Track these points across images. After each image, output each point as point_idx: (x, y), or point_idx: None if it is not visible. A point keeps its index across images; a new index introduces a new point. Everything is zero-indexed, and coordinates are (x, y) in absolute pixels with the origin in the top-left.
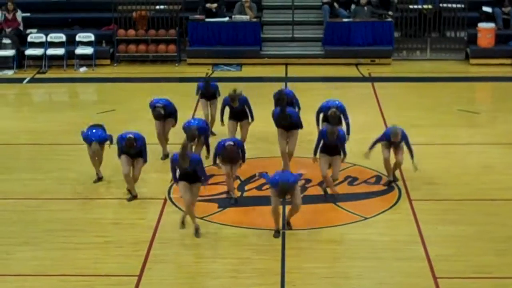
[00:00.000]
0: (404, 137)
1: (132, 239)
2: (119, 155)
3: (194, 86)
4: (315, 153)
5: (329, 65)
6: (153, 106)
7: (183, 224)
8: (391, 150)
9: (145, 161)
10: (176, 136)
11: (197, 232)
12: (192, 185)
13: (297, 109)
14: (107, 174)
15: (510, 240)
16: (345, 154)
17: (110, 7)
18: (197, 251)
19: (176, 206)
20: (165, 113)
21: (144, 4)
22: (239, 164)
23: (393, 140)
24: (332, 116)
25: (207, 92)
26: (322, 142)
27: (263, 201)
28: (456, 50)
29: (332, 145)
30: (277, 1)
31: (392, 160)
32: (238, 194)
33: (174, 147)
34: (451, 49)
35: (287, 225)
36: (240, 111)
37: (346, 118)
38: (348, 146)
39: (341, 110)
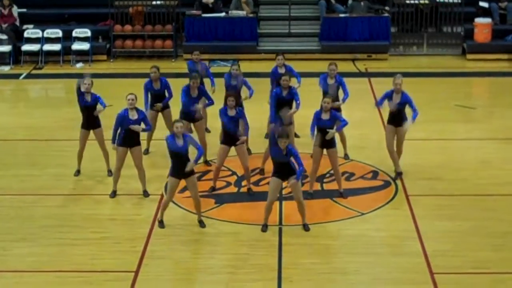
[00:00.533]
0: (407, 98)
1: (129, 235)
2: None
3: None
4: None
5: (326, 60)
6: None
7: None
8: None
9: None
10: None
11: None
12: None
13: (297, 85)
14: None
15: (507, 236)
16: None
17: (106, 3)
18: (194, 247)
19: (172, 201)
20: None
21: (140, 0)
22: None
23: (394, 85)
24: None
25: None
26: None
27: (260, 196)
28: (453, 45)
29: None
30: None
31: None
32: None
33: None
34: (448, 44)
35: (304, 227)
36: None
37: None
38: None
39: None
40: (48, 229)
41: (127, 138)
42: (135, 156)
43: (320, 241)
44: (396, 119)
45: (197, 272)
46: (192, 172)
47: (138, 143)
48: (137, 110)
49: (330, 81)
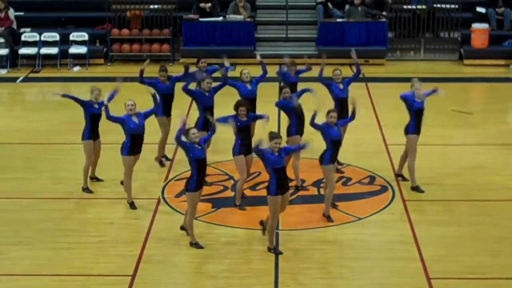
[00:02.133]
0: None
1: (125, 239)
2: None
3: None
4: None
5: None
6: None
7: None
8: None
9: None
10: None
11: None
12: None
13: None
14: (101, 174)
15: (503, 241)
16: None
17: (104, 7)
18: (191, 251)
19: (169, 206)
20: None
21: (138, 4)
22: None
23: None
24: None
25: None
26: None
27: (257, 201)
28: (450, 50)
29: None
30: (271, 1)
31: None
32: None
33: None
34: (445, 49)
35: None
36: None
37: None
38: (341, 146)
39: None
40: (45, 233)
41: (134, 146)
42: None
43: (317, 246)
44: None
45: (194, 277)
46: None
47: (140, 150)
48: (138, 114)
49: (341, 87)
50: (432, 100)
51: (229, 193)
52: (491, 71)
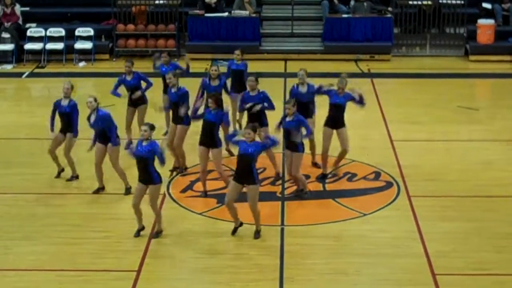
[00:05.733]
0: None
1: (130, 234)
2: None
3: (193, 80)
4: None
5: (329, 61)
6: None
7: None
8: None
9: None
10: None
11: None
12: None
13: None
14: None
15: (509, 237)
16: None
17: (109, 2)
18: (195, 247)
19: (175, 201)
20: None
21: None
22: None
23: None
24: None
25: None
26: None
27: (262, 196)
28: (456, 46)
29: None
30: None
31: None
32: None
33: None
34: (451, 45)
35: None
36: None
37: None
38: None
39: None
40: (50, 228)
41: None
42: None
43: (322, 242)
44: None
45: (198, 272)
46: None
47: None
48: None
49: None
50: (437, 96)
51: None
52: (497, 67)
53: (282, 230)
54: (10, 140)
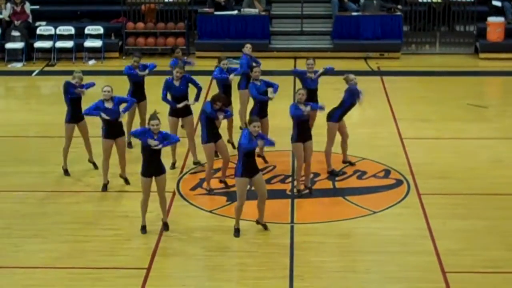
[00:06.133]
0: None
1: (140, 232)
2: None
3: (203, 78)
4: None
5: (338, 59)
6: None
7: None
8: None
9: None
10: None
11: None
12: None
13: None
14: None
15: None
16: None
17: (119, 0)
18: (205, 244)
19: (184, 199)
20: None
21: None
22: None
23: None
24: None
25: None
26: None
27: (272, 194)
28: (465, 44)
29: None
30: None
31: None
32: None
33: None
34: (460, 43)
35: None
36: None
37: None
38: (357, 140)
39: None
40: (60, 226)
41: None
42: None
43: (332, 240)
44: None
45: (208, 270)
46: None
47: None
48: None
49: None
50: (447, 94)
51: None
52: (506, 64)
53: (292, 227)
54: (20, 138)
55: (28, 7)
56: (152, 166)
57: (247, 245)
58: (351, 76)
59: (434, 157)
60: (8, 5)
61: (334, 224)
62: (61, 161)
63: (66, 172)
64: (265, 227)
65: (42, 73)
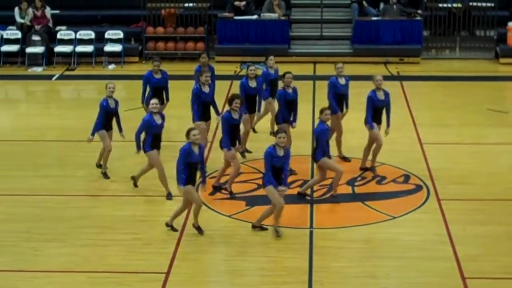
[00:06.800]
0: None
1: (160, 236)
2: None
3: (222, 83)
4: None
5: (358, 64)
6: None
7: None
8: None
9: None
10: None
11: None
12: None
13: None
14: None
15: None
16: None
17: (139, 5)
18: (224, 249)
19: (204, 204)
20: None
21: (173, 2)
22: None
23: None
24: None
25: None
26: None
27: (291, 199)
28: (486, 49)
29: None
30: None
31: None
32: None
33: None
34: (481, 48)
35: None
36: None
37: None
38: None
39: None
40: (80, 230)
41: (156, 142)
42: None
43: (351, 245)
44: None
45: (227, 274)
46: None
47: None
48: (161, 114)
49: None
50: (467, 99)
51: (263, 191)
52: None
53: (311, 233)
54: (39, 142)
55: (48, 11)
56: (194, 177)
57: (266, 250)
58: (377, 76)
59: (454, 162)
60: (30, 10)
61: (353, 229)
62: (81, 165)
63: (105, 175)
64: (278, 233)
65: (62, 77)
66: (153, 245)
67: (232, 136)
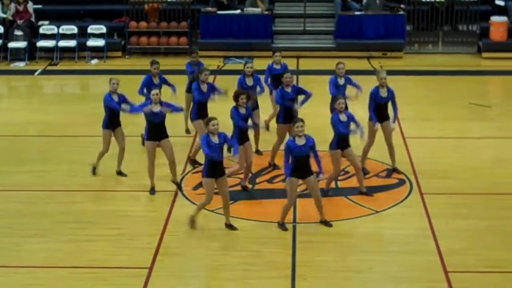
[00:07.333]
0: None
1: (143, 232)
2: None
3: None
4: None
5: (341, 58)
6: None
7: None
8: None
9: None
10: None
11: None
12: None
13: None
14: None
15: None
16: None
17: (122, 0)
18: (208, 244)
19: (187, 199)
20: None
21: None
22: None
23: (380, 79)
24: None
25: None
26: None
27: (274, 194)
28: (468, 43)
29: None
30: None
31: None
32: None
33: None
34: (463, 42)
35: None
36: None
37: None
38: (358, 139)
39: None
40: (62, 225)
41: (154, 132)
42: (165, 149)
43: (334, 239)
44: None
45: (211, 269)
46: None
47: (166, 135)
48: (163, 103)
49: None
50: (450, 93)
51: (247, 186)
52: (509, 64)
53: (294, 227)
54: (21, 137)
55: (31, 6)
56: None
57: (249, 244)
58: (382, 74)
59: (436, 156)
60: (12, 4)
61: (336, 224)
62: (63, 160)
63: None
64: (327, 223)
65: (44, 72)
66: (136, 240)
67: (240, 133)
